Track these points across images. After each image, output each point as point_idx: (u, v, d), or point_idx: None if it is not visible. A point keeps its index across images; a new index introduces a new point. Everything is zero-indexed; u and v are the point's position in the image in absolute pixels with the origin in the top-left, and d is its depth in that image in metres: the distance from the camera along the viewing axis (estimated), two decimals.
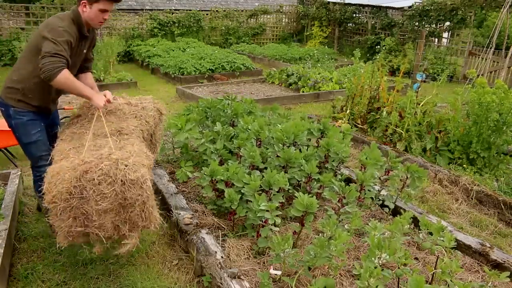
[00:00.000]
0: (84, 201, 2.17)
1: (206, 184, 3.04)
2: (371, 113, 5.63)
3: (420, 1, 11.10)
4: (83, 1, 2.59)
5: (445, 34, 11.19)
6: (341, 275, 2.58)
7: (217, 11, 13.81)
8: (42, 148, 2.82)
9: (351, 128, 4.07)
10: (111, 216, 2.23)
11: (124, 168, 2.19)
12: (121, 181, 2.17)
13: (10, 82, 2.73)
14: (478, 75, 7.90)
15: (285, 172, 3.27)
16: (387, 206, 3.37)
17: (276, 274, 2.54)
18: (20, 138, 2.81)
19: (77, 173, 2.14)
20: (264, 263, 2.72)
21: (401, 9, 11.82)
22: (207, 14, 13.65)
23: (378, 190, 3.46)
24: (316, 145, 3.70)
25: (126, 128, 2.71)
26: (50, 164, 2.40)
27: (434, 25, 11.06)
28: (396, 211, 3.32)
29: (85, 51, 2.87)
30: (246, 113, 4.23)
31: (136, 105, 3.04)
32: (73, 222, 2.21)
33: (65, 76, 2.45)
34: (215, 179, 3.02)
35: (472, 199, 3.93)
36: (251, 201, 2.71)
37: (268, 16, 14.99)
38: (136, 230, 2.32)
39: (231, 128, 3.84)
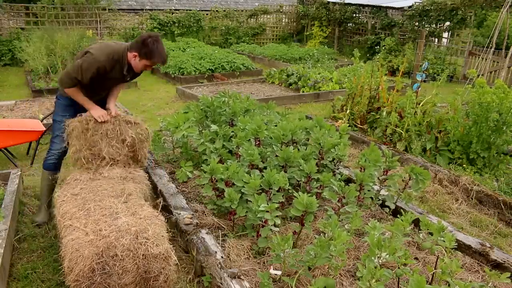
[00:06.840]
0: (107, 276, 2.21)
1: (206, 183, 3.04)
2: (371, 113, 5.62)
3: (420, 1, 11.09)
4: (134, 53, 3.00)
5: (445, 34, 11.19)
6: (341, 275, 2.58)
7: (217, 11, 13.81)
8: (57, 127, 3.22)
9: (352, 128, 4.06)
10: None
11: (146, 242, 2.27)
12: (143, 255, 2.25)
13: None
14: (478, 75, 7.91)
15: (285, 171, 3.27)
16: (387, 206, 3.36)
17: (276, 274, 2.53)
18: (54, 114, 3.32)
19: (99, 250, 2.19)
20: (264, 263, 2.72)
21: (401, 9, 11.82)
22: (207, 14, 13.65)
23: (378, 190, 3.45)
24: (314, 143, 3.70)
25: (128, 188, 2.81)
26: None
27: (434, 25, 11.06)
28: (396, 211, 3.31)
29: (128, 79, 3.28)
30: (243, 112, 4.21)
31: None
32: None
33: (69, 91, 3.08)
34: (215, 178, 3.02)
35: (472, 199, 3.93)
36: (251, 201, 2.71)
37: (268, 16, 15.00)
38: None
39: (229, 127, 3.84)
